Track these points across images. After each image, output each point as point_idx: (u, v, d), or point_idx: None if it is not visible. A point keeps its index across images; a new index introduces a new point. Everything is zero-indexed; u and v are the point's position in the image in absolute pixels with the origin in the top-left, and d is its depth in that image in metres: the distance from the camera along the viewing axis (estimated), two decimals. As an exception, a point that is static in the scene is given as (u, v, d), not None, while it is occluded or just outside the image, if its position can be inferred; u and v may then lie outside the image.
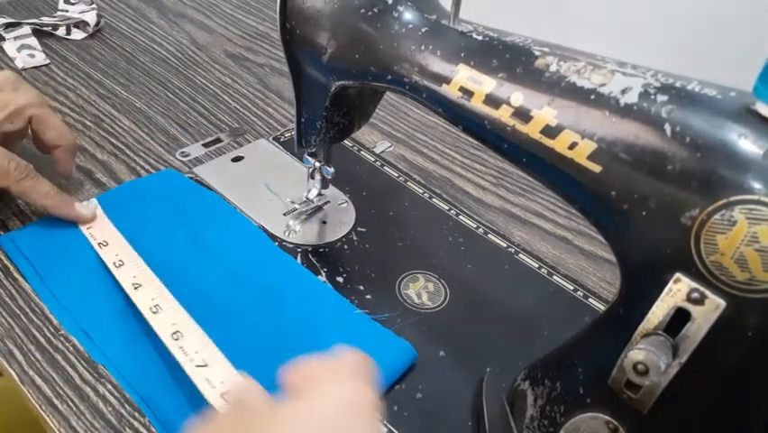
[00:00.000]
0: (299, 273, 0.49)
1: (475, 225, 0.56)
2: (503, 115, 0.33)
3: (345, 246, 0.53)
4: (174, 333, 0.41)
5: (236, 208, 0.54)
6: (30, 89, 0.50)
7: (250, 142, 0.63)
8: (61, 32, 0.75)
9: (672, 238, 0.28)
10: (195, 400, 0.39)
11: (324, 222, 0.55)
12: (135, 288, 0.44)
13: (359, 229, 0.54)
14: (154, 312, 0.42)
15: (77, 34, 0.76)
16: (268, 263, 0.50)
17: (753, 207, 0.25)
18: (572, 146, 0.31)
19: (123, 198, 0.53)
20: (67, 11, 0.78)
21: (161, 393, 0.40)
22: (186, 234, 0.51)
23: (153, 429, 0.38)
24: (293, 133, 0.51)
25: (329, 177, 0.53)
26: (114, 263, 0.46)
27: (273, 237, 0.52)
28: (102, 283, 0.45)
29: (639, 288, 0.31)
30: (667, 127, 0.28)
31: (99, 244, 0.47)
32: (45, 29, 0.75)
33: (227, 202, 0.55)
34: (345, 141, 0.63)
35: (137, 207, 0.52)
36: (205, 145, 0.62)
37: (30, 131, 0.50)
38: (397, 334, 0.45)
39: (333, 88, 0.43)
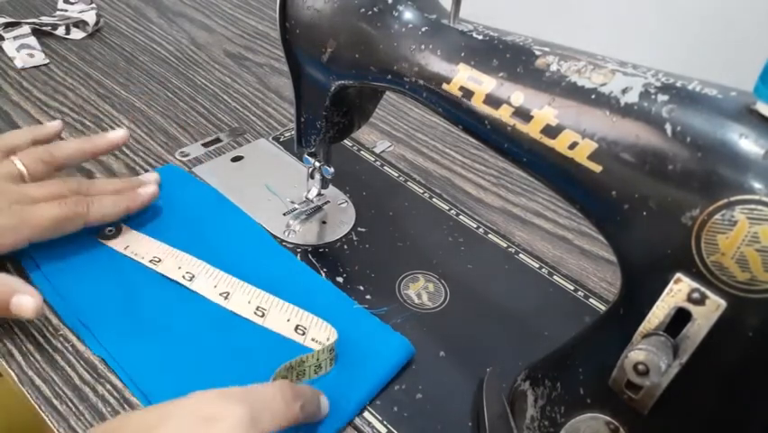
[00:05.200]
0: (298, 269, 0.49)
1: (475, 225, 0.56)
2: (503, 114, 0.33)
3: (345, 246, 0.53)
4: (221, 293, 0.45)
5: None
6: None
7: (249, 141, 0.63)
8: (61, 31, 0.75)
9: (672, 238, 0.28)
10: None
11: (324, 222, 0.55)
12: (155, 263, 0.47)
13: (359, 229, 0.54)
14: (189, 280, 0.45)
15: (77, 34, 0.76)
16: (267, 258, 0.50)
17: (753, 206, 0.25)
18: (573, 146, 0.30)
19: None
20: (66, 10, 0.78)
21: (163, 387, 0.40)
22: (186, 228, 0.51)
23: (153, 430, 0.38)
24: (293, 132, 0.51)
25: (329, 177, 0.53)
26: (126, 248, 0.48)
27: (273, 237, 0.52)
28: (103, 275, 0.46)
29: (640, 288, 0.30)
30: (668, 127, 0.28)
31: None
32: (44, 28, 0.74)
33: (227, 198, 0.55)
34: (345, 141, 0.63)
35: None
36: (205, 145, 0.62)
37: None
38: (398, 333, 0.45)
39: (333, 88, 0.43)
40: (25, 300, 0.40)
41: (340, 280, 0.49)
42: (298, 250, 0.52)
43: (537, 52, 0.33)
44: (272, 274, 0.48)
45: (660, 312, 0.29)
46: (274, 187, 0.57)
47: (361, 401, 0.41)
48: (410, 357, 0.44)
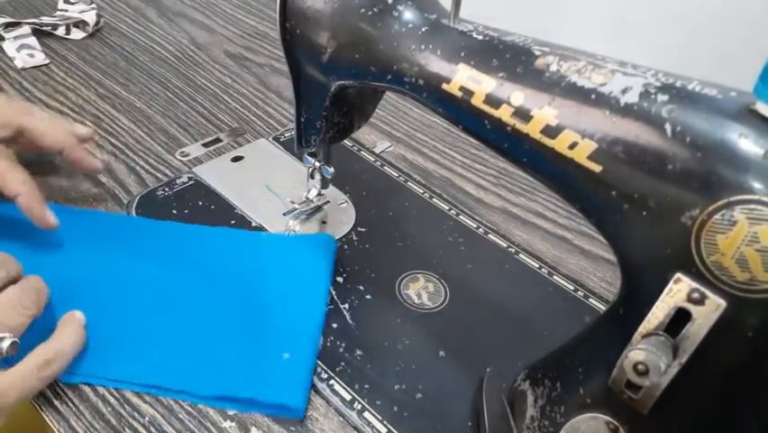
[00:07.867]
0: (233, 240, 0.51)
1: (475, 225, 0.56)
2: (503, 114, 0.33)
3: (345, 246, 0.53)
4: None
5: (235, 208, 0.54)
6: (13, 103, 0.51)
7: (250, 141, 0.63)
8: (61, 31, 0.75)
9: (672, 238, 0.28)
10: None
11: (324, 222, 0.55)
12: None
13: (359, 229, 0.54)
14: None
15: (77, 34, 0.76)
16: (213, 254, 0.50)
17: (753, 206, 0.25)
18: (573, 146, 0.30)
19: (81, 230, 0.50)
20: (66, 10, 0.78)
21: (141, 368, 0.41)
22: (163, 271, 0.48)
23: (153, 430, 0.38)
24: (293, 132, 0.51)
25: (329, 177, 0.53)
26: None
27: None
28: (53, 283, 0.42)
29: (640, 288, 0.31)
30: (667, 127, 0.28)
31: None
32: (45, 28, 0.75)
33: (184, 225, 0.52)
34: (345, 141, 0.63)
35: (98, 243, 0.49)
36: (205, 145, 0.62)
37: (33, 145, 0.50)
38: (398, 333, 0.45)
39: (333, 88, 0.43)
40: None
41: (340, 279, 0.49)
42: (298, 250, 0.52)
43: (537, 52, 0.33)
44: (221, 263, 0.49)
45: (660, 312, 0.29)
46: (274, 187, 0.57)
47: (320, 304, 0.46)
48: (335, 246, 0.50)
